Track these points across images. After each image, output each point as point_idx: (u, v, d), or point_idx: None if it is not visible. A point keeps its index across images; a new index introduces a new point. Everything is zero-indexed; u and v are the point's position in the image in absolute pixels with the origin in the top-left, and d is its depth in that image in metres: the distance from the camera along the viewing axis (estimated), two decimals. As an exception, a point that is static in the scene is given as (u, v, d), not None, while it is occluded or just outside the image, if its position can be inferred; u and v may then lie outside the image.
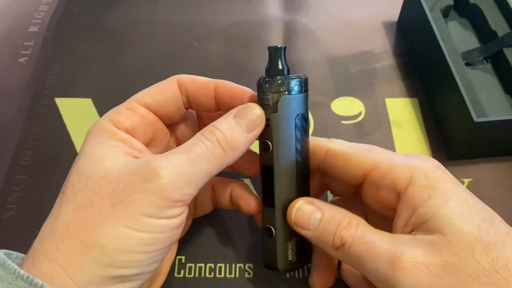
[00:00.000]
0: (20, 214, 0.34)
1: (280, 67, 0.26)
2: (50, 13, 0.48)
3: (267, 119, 0.26)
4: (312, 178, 0.29)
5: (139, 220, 0.22)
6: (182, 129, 0.30)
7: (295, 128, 0.26)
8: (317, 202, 0.26)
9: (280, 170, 0.26)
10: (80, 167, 0.24)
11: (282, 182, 0.27)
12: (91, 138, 0.25)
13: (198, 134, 0.25)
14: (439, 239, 0.22)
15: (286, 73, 0.26)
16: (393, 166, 0.25)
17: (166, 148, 0.29)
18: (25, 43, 0.45)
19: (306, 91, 0.26)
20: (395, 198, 0.25)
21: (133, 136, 0.26)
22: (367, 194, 0.27)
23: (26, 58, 0.44)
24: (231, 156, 0.25)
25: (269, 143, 0.26)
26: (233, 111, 0.26)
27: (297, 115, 0.26)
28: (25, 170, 0.36)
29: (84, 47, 0.45)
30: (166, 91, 0.27)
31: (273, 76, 0.26)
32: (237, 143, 0.25)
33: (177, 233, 0.24)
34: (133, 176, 0.22)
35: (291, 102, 0.26)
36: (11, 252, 0.24)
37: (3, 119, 0.39)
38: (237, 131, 0.25)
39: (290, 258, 0.28)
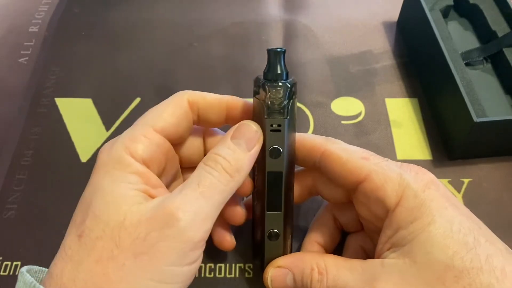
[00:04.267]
0: (20, 214, 0.34)
1: (279, 71, 0.25)
2: (50, 13, 0.48)
3: (279, 125, 0.25)
4: (302, 182, 0.30)
5: (164, 271, 0.22)
6: (185, 147, 0.29)
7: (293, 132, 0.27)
8: (283, 261, 0.27)
9: (287, 175, 0.26)
10: (96, 209, 0.23)
11: (288, 185, 0.27)
12: (106, 169, 0.24)
13: (202, 164, 0.24)
14: (409, 267, 0.22)
15: (285, 77, 0.25)
16: (385, 182, 0.24)
17: (175, 175, 0.29)
18: (25, 43, 0.45)
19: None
20: (384, 213, 0.25)
21: (148, 167, 0.25)
22: (358, 203, 0.27)
23: (26, 58, 0.44)
24: (239, 179, 0.25)
25: (280, 149, 0.26)
26: (229, 133, 0.25)
27: (295, 117, 0.26)
28: (25, 170, 0.36)
29: (84, 47, 0.45)
30: (179, 113, 0.26)
31: (275, 81, 0.25)
32: (241, 164, 0.25)
33: (193, 277, 0.24)
34: (151, 223, 0.22)
35: (294, 106, 0.26)
36: (32, 267, 0.24)
37: (3, 119, 0.39)
38: (238, 152, 0.25)
39: None
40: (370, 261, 0.24)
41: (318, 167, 0.28)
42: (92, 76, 0.43)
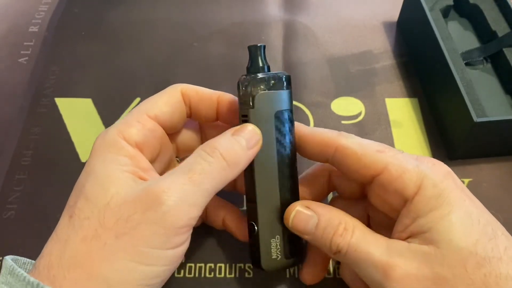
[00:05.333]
0: (20, 214, 0.34)
1: (261, 64, 0.27)
2: (50, 13, 0.48)
3: (246, 115, 0.26)
4: (319, 177, 0.29)
5: (144, 253, 0.22)
6: (182, 137, 0.30)
7: (275, 124, 0.26)
8: (314, 205, 0.26)
9: (259, 166, 0.26)
10: (88, 191, 0.23)
11: (262, 177, 0.27)
12: (99, 153, 0.24)
13: (199, 150, 0.24)
14: (433, 251, 0.22)
15: (266, 71, 0.27)
16: (403, 173, 0.24)
17: (169, 163, 0.29)
18: (25, 43, 0.45)
19: (287, 88, 0.27)
20: (401, 204, 0.25)
21: (141, 151, 0.25)
22: (373, 195, 0.27)
23: (26, 58, 0.44)
24: (233, 171, 0.24)
25: None
26: (230, 131, 0.25)
27: (279, 111, 0.26)
28: (25, 170, 0.36)
29: (84, 47, 0.45)
30: (173, 103, 0.27)
31: (253, 73, 0.26)
32: (239, 157, 0.24)
33: (180, 260, 0.24)
34: (135, 204, 0.22)
35: (269, 98, 0.26)
36: (18, 257, 0.24)
37: (3, 119, 0.39)
38: (237, 146, 0.25)
39: (274, 256, 0.27)
40: (395, 240, 0.24)
41: (331, 162, 0.27)
42: (92, 76, 0.43)
